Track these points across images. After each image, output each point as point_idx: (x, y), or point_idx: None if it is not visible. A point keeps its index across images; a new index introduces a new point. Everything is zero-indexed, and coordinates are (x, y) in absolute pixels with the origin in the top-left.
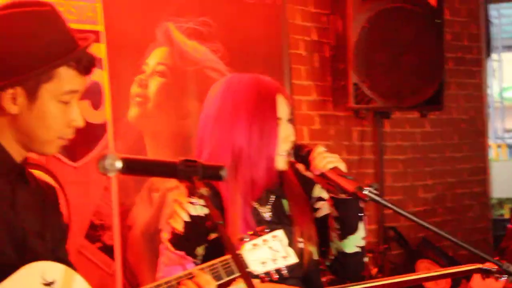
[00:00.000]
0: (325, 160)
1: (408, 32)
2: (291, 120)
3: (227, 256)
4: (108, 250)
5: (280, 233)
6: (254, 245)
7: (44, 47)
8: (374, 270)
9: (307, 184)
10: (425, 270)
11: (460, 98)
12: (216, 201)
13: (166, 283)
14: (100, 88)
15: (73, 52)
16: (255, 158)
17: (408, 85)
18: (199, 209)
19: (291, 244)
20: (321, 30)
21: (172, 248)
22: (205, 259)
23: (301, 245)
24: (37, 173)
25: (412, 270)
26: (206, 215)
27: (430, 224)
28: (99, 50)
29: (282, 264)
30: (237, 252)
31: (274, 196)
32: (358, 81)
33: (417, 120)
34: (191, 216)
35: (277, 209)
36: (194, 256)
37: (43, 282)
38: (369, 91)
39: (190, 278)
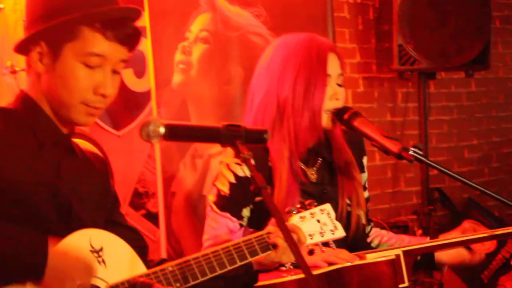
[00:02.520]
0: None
1: None
2: (341, 83)
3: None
4: (152, 217)
5: (328, 207)
6: (302, 217)
7: (76, 4)
8: (418, 232)
9: (358, 151)
10: (471, 231)
11: (507, 57)
12: (265, 157)
13: (233, 245)
14: (144, 57)
15: (96, 11)
16: (299, 110)
17: (453, 45)
18: (246, 170)
19: (337, 207)
20: None
21: (217, 210)
22: (251, 221)
23: (348, 209)
24: (84, 144)
25: None
26: (252, 176)
27: (476, 184)
28: (142, 18)
29: (329, 237)
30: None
31: (321, 159)
32: (403, 42)
33: (463, 80)
34: (237, 177)
35: (324, 171)
36: (239, 217)
37: (90, 249)
38: (414, 52)
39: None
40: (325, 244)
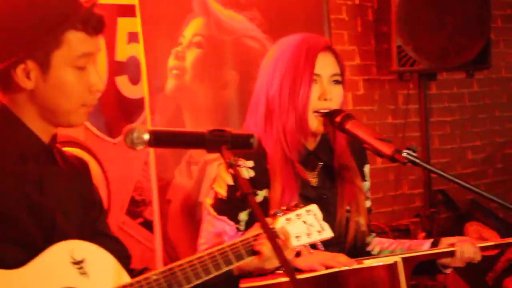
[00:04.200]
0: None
1: None
2: (337, 82)
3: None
4: (149, 225)
5: (314, 208)
6: (288, 219)
7: (47, 15)
8: (421, 235)
9: (360, 159)
10: (474, 233)
11: (509, 56)
12: (263, 159)
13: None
14: (138, 63)
15: (76, 14)
16: (285, 109)
17: (453, 45)
18: (244, 172)
19: (336, 213)
20: None
21: (214, 213)
22: (248, 225)
23: (348, 215)
24: (70, 149)
25: (461, 233)
26: (251, 178)
27: (477, 186)
28: (134, 24)
29: (316, 238)
30: (271, 226)
31: (322, 163)
32: (402, 43)
33: (465, 80)
34: (235, 180)
35: (324, 175)
36: (236, 221)
37: (71, 261)
38: (413, 53)
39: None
40: (313, 245)
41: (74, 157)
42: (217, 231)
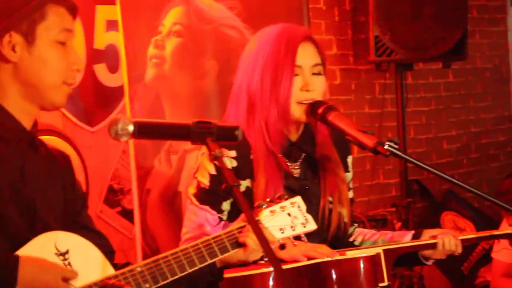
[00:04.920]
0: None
1: None
2: (319, 73)
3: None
4: (127, 214)
5: (298, 199)
6: (272, 211)
7: None
8: (397, 225)
9: (343, 149)
10: (450, 223)
11: (484, 47)
12: (247, 150)
13: (202, 242)
14: (117, 51)
15: None
16: (266, 101)
17: (430, 35)
18: (227, 161)
19: (319, 204)
20: None
21: (196, 202)
22: (231, 214)
23: (330, 206)
24: (50, 139)
25: (437, 223)
26: (233, 167)
27: (453, 176)
28: (113, 11)
29: (300, 230)
30: (252, 215)
31: (305, 154)
32: (379, 33)
33: (440, 70)
34: (218, 169)
35: (307, 167)
36: (219, 210)
37: (56, 252)
38: (391, 43)
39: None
40: (297, 237)
41: (56, 150)
42: (199, 220)
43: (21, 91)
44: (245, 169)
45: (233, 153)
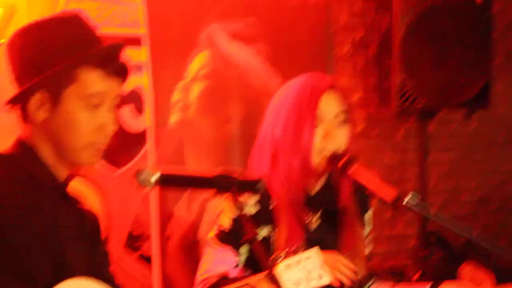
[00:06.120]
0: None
1: (455, 28)
2: (343, 121)
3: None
4: (147, 260)
5: (314, 253)
6: (287, 265)
7: (62, 47)
8: (415, 276)
9: (363, 204)
10: (468, 274)
11: (508, 95)
12: (268, 199)
13: None
14: (141, 95)
15: (90, 52)
16: (289, 153)
17: (454, 83)
18: (250, 208)
19: None
20: (366, 29)
21: (217, 243)
22: (247, 262)
23: None
24: (79, 197)
25: (455, 274)
26: (253, 215)
27: (471, 229)
28: (138, 55)
29: (316, 284)
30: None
31: (324, 207)
32: (403, 80)
33: (463, 119)
34: (240, 214)
35: (326, 219)
36: (238, 253)
37: None
38: (414, 90)
39: None
40: None
41: (85, 208)
42: (218, 259)
43: (51, 148)
44: (264, 216)
45: (253, 200)
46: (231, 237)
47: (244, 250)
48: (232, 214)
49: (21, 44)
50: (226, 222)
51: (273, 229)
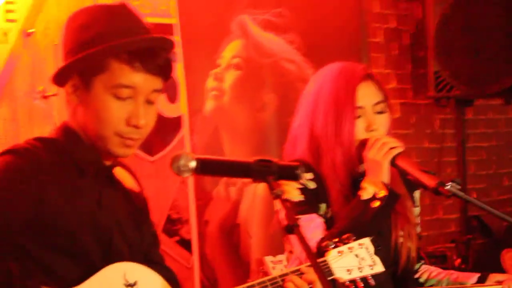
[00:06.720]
0: (386, 147)
1: (490, 17)
2: (381, 111)
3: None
4: (185, 244)
5: (366, 241)
6: (340, 252)
7: (107, 36)
8: (457, 261)
9: (410, 184)
10: (510, 260)
11: None
12: (321, 177)
13: (270, 280)
14: (176, 81)
15: (124, 41)
16: (331, 146)
17: (491, 71)
18: (307, 183)
19: (390, 237)
20: (400, 18)
21: (300, 216)
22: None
23: (401, 240)
24: (126, 180)
25: (497, 260)
26: (314, 189)
27: None
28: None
29: (368, 272)
30: (321, 259)
31: None
32: (439, 69)
33: (501, 106)
34: (303, 188)
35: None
36: (319, 214)
37: (125, 283)
38: (450, 79)
39: (299, 275)
40: (363, 279)
41: (132, 190)
42: (313, 227)
43: (86, 134)
44: (322, 192)
45: (310, 175)
46: (307, 204)
47: (323, 208)
48: (297, 186)
49: (69, 25)
50: (295, 194)
51: (328, 207)
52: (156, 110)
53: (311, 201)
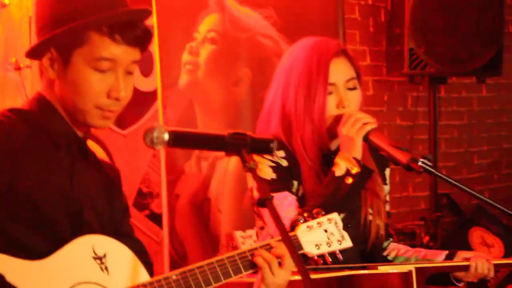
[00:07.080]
0: (359, 123)
1: None
2: (353, 88)
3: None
4: (155, 218)
5: (335, 216)
6: (309, 227)
7: (85, 10)
8: (425, 239)
9: (381, 162)
10: (478, 238)
11: None
12: (293, 154)
13: (239, 254)
14: (151, 55)
15: (102, 15)
16: (301, 121)
17: (465, 50)
18: (280, 161)
19: (360, 213)
20: None
21: (273, 194)
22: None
23: (370, 217)
24: (98, 151)
25: (465, 238)
26: (286, 167)
27: (482, 192)
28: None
29: (336, 247)
30: (291, 233)
31: None
32: (414, 46)
33: (474, 85)
34: (275, 163)
35: None
36: (293, 192)
37: (93, 256)
38: (425, 56)
39: (268, 249)
40: (332, 254)
41: (107, 163)
42: (286, 204)
43: (65, 107)
44: (295, 170)
45: (282, 153)
46: (280, 181)
47: (294, 187)
48: (269, 164)
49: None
50: (268, 172)
51: (299, 185)
52: (133, 81)
53: (284, 178)
